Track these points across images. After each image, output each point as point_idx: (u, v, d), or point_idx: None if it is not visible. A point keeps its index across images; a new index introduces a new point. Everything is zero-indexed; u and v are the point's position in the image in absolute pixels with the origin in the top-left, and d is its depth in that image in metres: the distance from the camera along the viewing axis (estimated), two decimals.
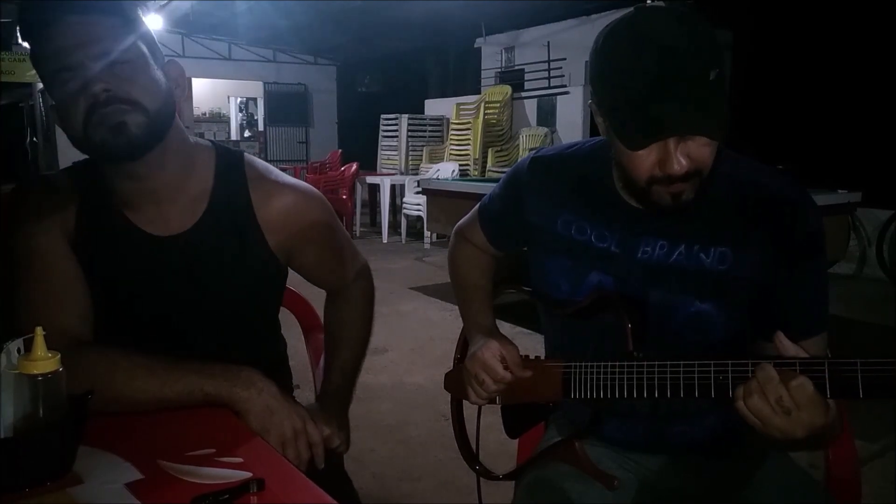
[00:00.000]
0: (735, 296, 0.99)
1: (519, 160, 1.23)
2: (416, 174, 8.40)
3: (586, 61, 8.76)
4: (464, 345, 1.33)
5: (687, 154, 0.87)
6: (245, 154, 1.19)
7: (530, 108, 8.78)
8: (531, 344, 1.12)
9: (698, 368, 0.87)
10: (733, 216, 0.98)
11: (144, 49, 1.03)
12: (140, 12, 1.05)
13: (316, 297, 1.44)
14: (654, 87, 0.83)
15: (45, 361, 0.78)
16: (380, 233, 7.89)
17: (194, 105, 13.40)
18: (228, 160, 1.16)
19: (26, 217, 1.07)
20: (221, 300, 1.15)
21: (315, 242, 1.23)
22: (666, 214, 0.97)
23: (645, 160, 0.89)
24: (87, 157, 1.12)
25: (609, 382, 0.98)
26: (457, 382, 1.23)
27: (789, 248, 0.96)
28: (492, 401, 1.16)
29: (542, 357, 1.17)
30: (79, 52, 0.96)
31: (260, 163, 1.20)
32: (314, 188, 1.26)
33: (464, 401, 1.23)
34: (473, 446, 1.31)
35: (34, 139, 13.32)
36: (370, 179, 8.26)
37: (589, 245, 1.07)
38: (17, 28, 1.01)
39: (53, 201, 1.08)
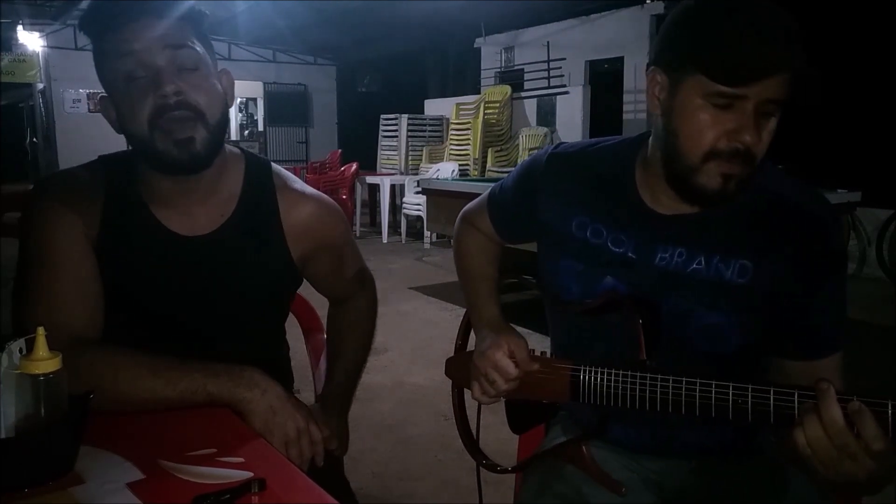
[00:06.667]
0: (752, 309, 0.96)
1: (537, 152, 1.17)
2: (416, 174, 8.39)
3: (586, 61, 8.79)
4: (465, 329, 1.30)
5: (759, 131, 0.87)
6: (271, 163, 1.21)
7: (530, 107, 8.78)
8: (532, 344, 1.11)
9: (716, 389, 0.84)
10: (756, 227, 0.95)
11: (209, 58, 1.04)
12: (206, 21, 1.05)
13: (316, 298, 1.44)
14: (765, 30, 0.82)
15: (46, 361, 0.78)
16: (380, 233, 7.89)
17: None
18: (257, 167, 1.18)
19: (49, 213, 1.05)
20: (238, 302, 1.15)
21: (331, 253, 1.26)
22: (690, 220, 0.96)
23: (712, 128, 0.87)
24: (99, 156, 1.13)
25: (619, 391, 0.94)
26: (459, 369, 1.20)
27: (811, 265, 0.93)
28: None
29: (549, 354, 1.13)
30: (154, 51, 0.97)
31: (285, 172, 1.22)
32: (333, 201, 1.27)
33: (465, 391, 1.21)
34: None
35: (34, 139, 13.31)
36: (370, 179, 8.26)
37: (604, 249, 1.03)
38: (81, 21, 1.01)
39: (78, 197, 1.07)
